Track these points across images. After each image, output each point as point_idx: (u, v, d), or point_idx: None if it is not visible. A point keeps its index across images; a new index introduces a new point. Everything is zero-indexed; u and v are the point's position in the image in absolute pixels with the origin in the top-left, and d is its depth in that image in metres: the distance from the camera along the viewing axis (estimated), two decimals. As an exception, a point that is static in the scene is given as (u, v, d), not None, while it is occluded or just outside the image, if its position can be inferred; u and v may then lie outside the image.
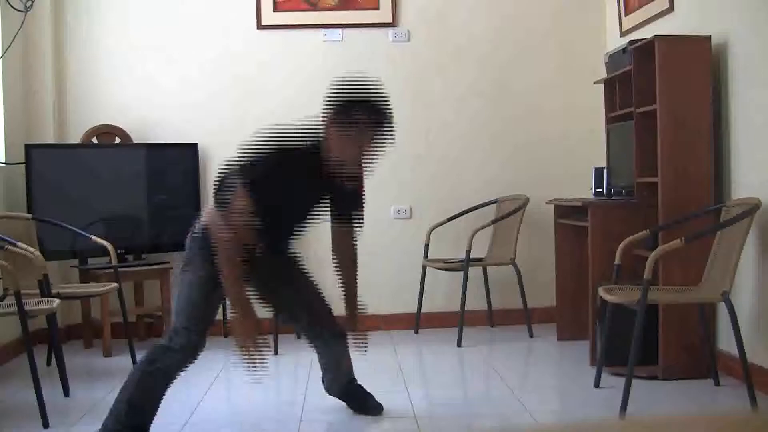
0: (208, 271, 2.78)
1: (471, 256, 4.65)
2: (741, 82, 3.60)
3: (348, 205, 3.03)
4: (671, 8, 4.15)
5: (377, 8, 5.12)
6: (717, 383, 3.56)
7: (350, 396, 3.33)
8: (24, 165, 4.56)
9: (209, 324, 2.92)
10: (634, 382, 3.22)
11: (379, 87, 2.82)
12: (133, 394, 2.82)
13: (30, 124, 4.88)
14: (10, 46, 4.61)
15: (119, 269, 4.31)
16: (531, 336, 4.74)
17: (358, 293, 3.14)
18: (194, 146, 4.98)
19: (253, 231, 2.73)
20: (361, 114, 2.74)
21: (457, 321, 4.62)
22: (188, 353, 2.83)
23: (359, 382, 3.36)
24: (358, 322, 3.11)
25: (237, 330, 2.76)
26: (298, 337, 4.86)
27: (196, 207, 4.98)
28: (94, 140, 4.92)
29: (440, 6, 5.17)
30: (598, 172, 4.43)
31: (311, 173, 2.80)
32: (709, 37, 3.71)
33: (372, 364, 4.25)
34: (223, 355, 4.50)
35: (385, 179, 5.15)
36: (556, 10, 5.21)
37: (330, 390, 3.35)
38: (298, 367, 4.26)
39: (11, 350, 4.34)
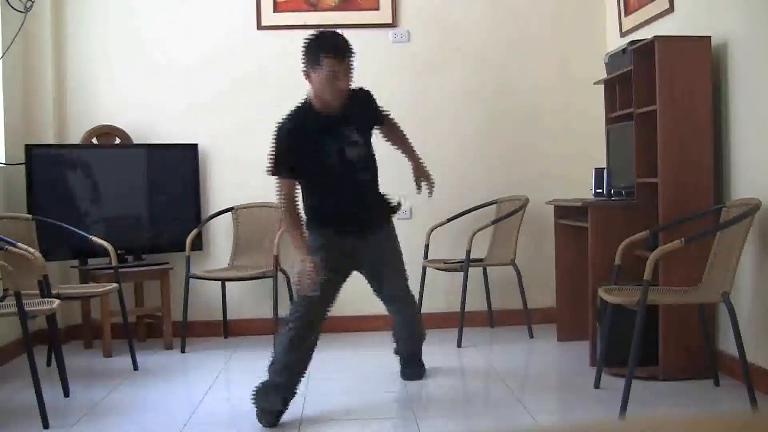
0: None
1: (471, 257, 4.65)
2: (741, 82, 3.60)
3: (368, 113, 3.58)
4: (671, 8, 4.15)
5: (377, 9, 5.12)
6: (717, 383, 3.56)
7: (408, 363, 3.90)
8: (24, 165, 4.56)
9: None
10: (634, 382, 3.22)
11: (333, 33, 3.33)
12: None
13: (30, 124, 4.87)
14: (10, 46, 4.61)
15: (119, 270, 4.31)
16: (531, 336, 4.74)
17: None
18: (194, 146, 4.98)
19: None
20: (312, 45, 3.25)
21: (457, 321, 4.62)
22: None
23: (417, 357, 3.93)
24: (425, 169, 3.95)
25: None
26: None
27: (196, 207, 4.98)
28: (94, 140, 4.92)
29: (440, 7, 5.17)
30: (598, 172, 4.43)
31: (317, 121, 3.36)
32: (709, 37, 3.71)
33: (372, 365, 4.26)
34: (223, 355, 4.50)
35: (386, 179, 5.15)
36: (555, 11, 5.20)
37: (397, 352, 3.94)
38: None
39: (11, 351, 4.34)
